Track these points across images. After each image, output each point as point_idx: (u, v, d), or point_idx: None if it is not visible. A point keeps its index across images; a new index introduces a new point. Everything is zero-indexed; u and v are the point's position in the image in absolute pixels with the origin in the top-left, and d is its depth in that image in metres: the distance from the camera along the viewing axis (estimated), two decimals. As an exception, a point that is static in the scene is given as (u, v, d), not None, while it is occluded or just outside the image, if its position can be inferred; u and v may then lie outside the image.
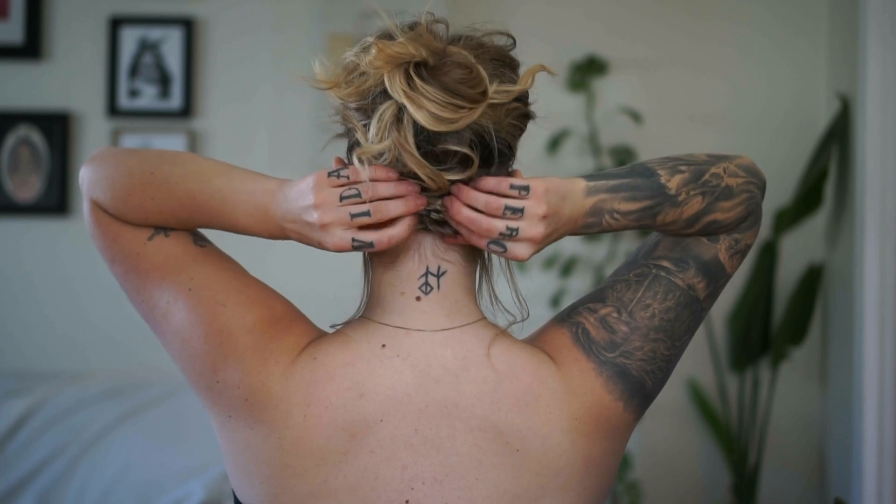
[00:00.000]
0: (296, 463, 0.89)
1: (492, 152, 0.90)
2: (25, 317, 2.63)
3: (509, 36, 0.94)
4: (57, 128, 2.61)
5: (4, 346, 2.62)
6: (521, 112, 0.93)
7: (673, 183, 0.94)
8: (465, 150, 0.88)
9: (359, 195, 0.87)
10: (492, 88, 0.88)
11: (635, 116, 2.52)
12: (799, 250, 2.57)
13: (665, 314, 0.96)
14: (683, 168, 0.95)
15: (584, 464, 0.93)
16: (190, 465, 2.20)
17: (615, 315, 0.96)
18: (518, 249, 0.90)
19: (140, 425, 2.31)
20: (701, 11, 2.65)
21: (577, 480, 0.93)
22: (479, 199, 0.89)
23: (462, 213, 0.90)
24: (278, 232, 0.91)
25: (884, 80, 2.23)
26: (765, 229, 2.54)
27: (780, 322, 2.49)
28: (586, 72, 2.57)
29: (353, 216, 0.87)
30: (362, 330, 0.94)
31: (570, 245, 2.60)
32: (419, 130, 0.87)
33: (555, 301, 2.55)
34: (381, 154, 0.88)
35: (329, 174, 0.88)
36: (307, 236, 0.89)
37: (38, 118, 2.61)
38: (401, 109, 0.87)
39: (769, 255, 2.49)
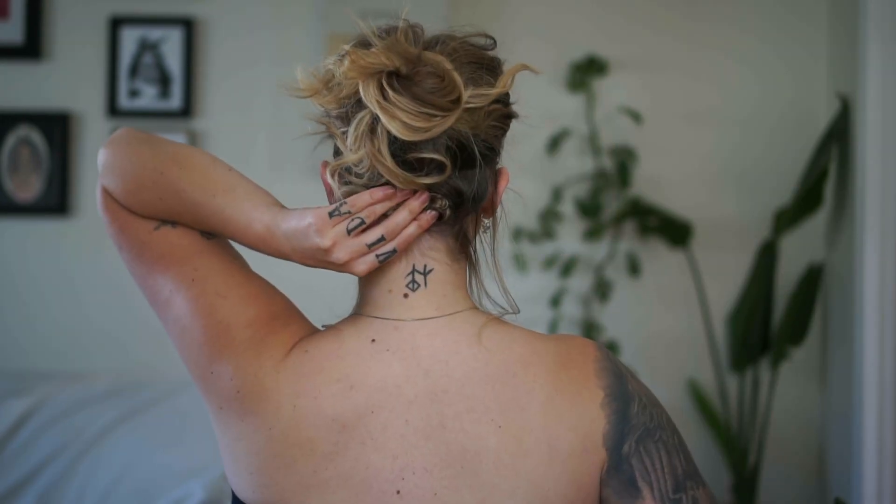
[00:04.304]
0: (285, 453, 0.90)
1: (471, 155, 0.90)
2: (25, 317, 2.63)
3: (489, 37, 0.93)
4: (57, 128, 2.61)
5: (5, 346, 2.62)
6: (501, 113, 0.92)
7: None
8: (437, 157, 0.88)
9: (363, 223, 0.89)
10: (466, 94, 0.88)
11: (635, 116, 2.52)
12: (799, 250, 2.57)
13: None
14: None
15: (549, 452, 0.90)
16: (190, 465, 2.20)
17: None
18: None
19: (140, 425, 2.31)
20: (701, 12, 2.65)
21: (542, 470, 0.89)
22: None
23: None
24: (281, 257, 0.93)
25: (884, 80, 2.23)
26: (765, 229, 2.54)
27: (780, 322, 2.49)
28: (586, 72, 2.56)
29: (369, 245, 0.90)
30: (353, 325, 0.94)
31: (570, 245, 2.60)
32: (394, 139, 0.87)
33: (555, 301, 2.55)
34: (358, 162, 0.89)
35: (330, 215, 0.89)
36: (333, 270, 0.92)
37: (38, 118, 2.61)
38: (375, 119, 0.87)
39: (769, 255, 2.49)
